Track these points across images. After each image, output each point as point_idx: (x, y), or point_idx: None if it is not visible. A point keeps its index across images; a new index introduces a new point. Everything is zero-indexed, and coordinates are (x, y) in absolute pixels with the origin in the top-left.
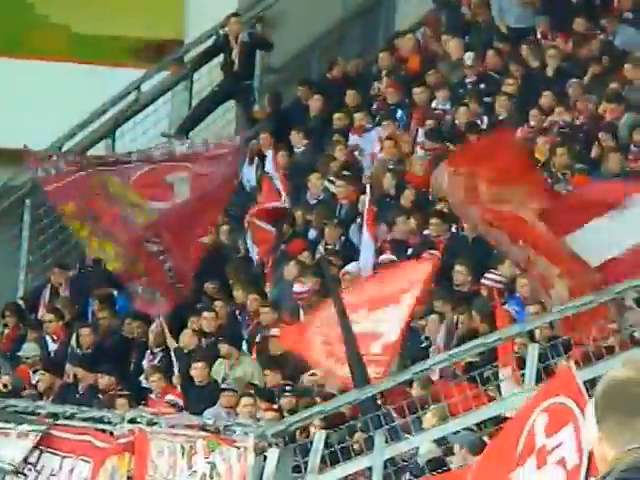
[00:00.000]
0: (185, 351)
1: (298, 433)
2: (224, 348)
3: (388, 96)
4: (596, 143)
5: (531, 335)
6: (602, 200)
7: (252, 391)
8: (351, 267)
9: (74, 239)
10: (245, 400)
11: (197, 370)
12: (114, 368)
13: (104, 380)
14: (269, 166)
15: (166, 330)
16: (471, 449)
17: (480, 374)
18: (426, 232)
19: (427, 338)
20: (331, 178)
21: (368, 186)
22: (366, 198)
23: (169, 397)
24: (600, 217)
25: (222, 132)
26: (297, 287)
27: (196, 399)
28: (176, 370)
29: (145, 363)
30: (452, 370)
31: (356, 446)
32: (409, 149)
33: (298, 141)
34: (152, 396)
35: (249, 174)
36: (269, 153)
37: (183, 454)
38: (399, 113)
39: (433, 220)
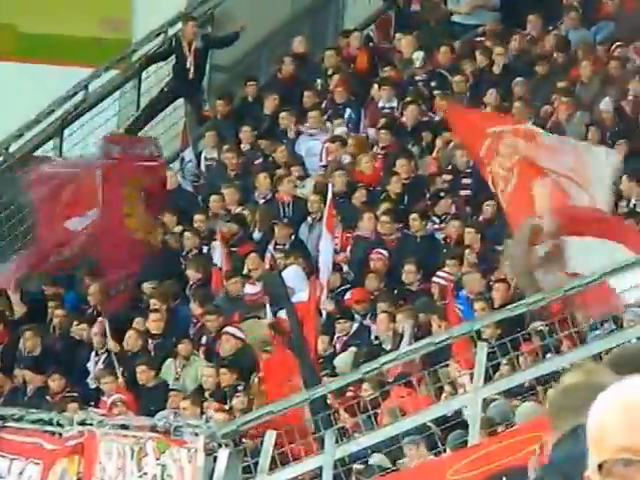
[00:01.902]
0: (129, 353)
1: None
2: (183, 347)
3: (336, 95)
4: None
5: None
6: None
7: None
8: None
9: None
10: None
11: (140, 373)
12: (62, 370)
13: (54, 383)
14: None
15: (108, 333)
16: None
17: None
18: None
19: (377, 337)
20: (298, 183)
21: (330, 186)
22: (328, 197)
23: (116, 396)
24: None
25: (171, 131)
26: (249, 288)
27: (146, 401)
28: (119, 373)
29: (90, 365)
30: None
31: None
32: (359, 148)
33: (247, 139)
34: (104, 398)
35: (189, 156)
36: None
37: (132, 456)
38: (348, 112)
39: (383, 218)
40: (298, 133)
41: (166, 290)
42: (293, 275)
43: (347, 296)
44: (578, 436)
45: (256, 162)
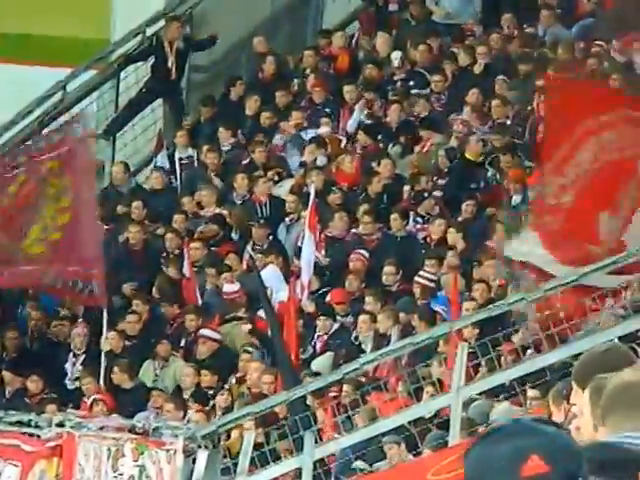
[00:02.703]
0: (111, 354)
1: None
2: (162, 348)
3: (315, 95)
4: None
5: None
6: None
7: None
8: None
9: None
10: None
11: (114, 376)
12: (41, 371)
13: (33, 384)
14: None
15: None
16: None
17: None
18: (355, 231)
19: (357, 338)
20: (276, 179)
21: (313, 186)
22: (310, 197)
23: (95, 396)
24: None
25: (149, 131)
26: (227, 287)
27: (124, 403)
28: (101, 374)
29: (68, 366)
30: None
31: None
32: (337, 148)
33: (225, 139)
34: (85, 399)
35: (163, 161)
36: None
37: (109, 457)
38: (327, 112)
39: (364, 219)
40: (280, 132)
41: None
42: (271, 275)
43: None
44: None
45: (238, 162)
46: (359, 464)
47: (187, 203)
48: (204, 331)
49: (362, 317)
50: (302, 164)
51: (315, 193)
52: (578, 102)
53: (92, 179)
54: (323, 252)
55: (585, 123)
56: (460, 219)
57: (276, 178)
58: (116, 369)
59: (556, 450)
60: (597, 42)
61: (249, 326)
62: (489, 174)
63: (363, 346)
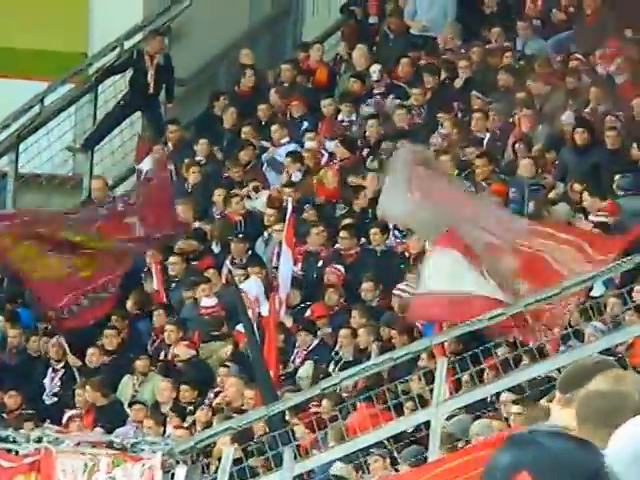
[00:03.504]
0: (91, 369)
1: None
2: (141, 364)
3: (293, 109)
4: (510, 151)
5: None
6: None
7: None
8: (245, 286)
9: None
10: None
11: (88, 393)
12: (19, 387)
13: (10, 400)
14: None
15: (67, 349)
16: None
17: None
18: (336, 246)
19: (337, 353)
20: (251, 195)
21: (290, 199)
22: (288, 212)
23: (73, 412)
24: None
25: (128, 145)
26: (205, 302)
27: (100, 419)
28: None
29: (47, 381)
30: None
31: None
32: (315, 162)
33: (203, 153)
34: (74, 410)
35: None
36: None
37: (84, 471)
38: (305, 125)
39: (342, 234)
40: (260, 147)
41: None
42: (255, 286)
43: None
44: None
45: (217, 176)
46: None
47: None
48: (179, 349)
49: (343, 332)
50: (279, 178)
51: (292, 208)
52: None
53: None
54: (299, 266)
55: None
56: None
57: (253, 194)
58: (88, 387)
59: (546, 468)
60: (576, 55)
61: (230, 347)
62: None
63: (344, 360)
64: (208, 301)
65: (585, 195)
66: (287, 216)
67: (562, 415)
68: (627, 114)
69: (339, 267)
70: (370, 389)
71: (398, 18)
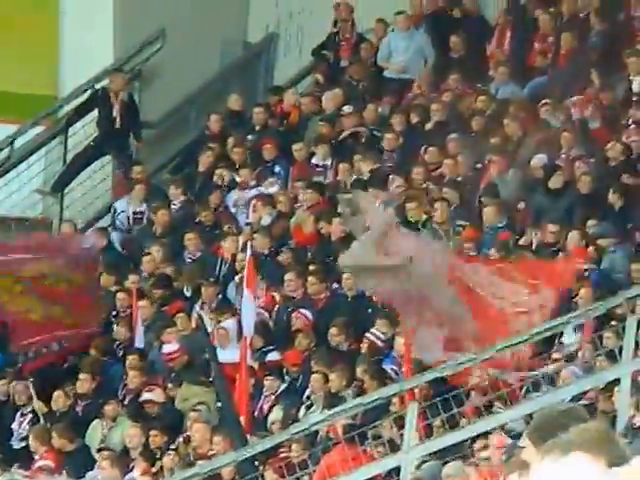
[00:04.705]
0: (57, 414)
1: None
2: (110, 408)
3: (265, 152)
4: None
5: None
6: None
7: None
8: (227, 324)
9: None
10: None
11: (54, 439)
12: None
13: None
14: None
15: (33, 394)
16: None
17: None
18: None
19: (308, 397)
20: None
21: (249, 244)
22: (246, 256)
23: (43, 463)
24: None
25: (98, 188)
26: (166, 348)
27: (69, 464)
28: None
29: (15, 425)
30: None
31: None
32: (287, 207)
33: (176, 196)
34: (36, 457)
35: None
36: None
37: None
38: (277, 169)
39: (310, 279)
40: (230, 188)
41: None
42: (232, 327)
43: (271, 356)
44: None
45: (189, 219)
46: None
47: (145, 262)
48: (147, 395)
49: (315, 376)
50: (248, 223)
51: (252, 251)
52: None
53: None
54: (274, 314)
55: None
56: None
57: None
58: (54, 434)
59: None
60: (547, 101)
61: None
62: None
63: (315, 405)
64: (170, 347)
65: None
66: (246, 260)
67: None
68: (600, 159)
69: (305, 312)
70: (345, 433)
71: (370, 62)
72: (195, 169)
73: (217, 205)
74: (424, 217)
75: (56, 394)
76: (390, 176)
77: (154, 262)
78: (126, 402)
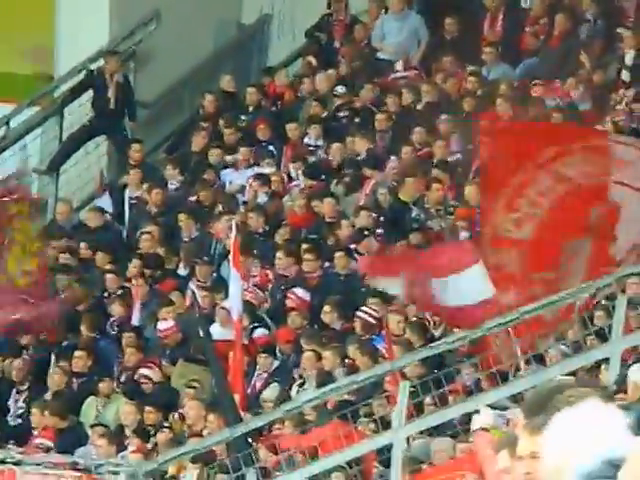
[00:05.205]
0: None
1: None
2: (105, 386)
3: (259, 132)
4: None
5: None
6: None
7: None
8: (227, 304)
9: None
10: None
11: (46, 418)
12: None
13: None
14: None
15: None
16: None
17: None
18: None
19: (301, 376)
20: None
21: (234, 222)
22: (232, 234)
23: (39, 440)
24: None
25: (93, 167)
26: (161, 325)
27: (64, 441)
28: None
29: (11, 402)
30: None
31: None
32: (281, 186)
33: (173, 177)
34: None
35: (106, 203)
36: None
37: None
38: (270, 149)
39: (307, 256)
40: (225, 167)
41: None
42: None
43: (256, 334)
44: None
45: (184, 200)
46: None
47: (142, 241)
48: (143, 371)
49: (306, 354)
50: (244, 202)
51: (237, 230)
52: (522, 140)
53: None
54: (267, 292)
55: (534, 158)
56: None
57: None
58: (46, 413)
59: None
60: (539, 82)
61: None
62: (413, 214)
63: (307, 383)
64: (164, 324)
65: None
66: (232, 239)
67: (529, 442)
68: None
69: (297, 291)
70: (337, 410)
71: (364, 42)
72: (189, 149)
73: (212, 184)
74: (417, 196)
75: (53, 371)
76: (391, 157)
77: (151, 241)
78: (122, 379)
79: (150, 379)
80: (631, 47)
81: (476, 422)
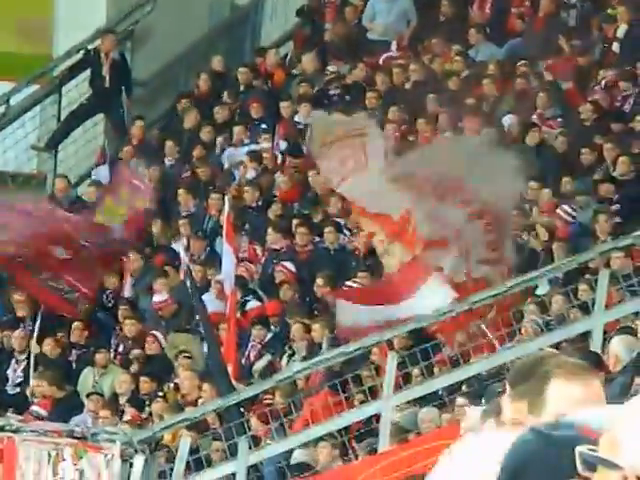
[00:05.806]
0: (49, 360)
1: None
2: (101, 357)
3: (252, 110)
4: None
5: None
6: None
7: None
8: (221, 277)
9: None
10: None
11: (42, 388)
12: None
13: None
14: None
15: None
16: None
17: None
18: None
19: (290, 347)
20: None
21: (227, 198)
22: (224, 210)
23: (34, 408)
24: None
25: (90, 145)
26: (156, 297)
27: (60, 410)
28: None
29: (10, 372)
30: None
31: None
32: (272, 163)
33: (171, 153)
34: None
35: (103, 173)
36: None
37: (49, 461)
38: (262, 127)
39: (300, 229)
40: (222, 148)
41: None
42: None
43: (249, 306)
44: None
45: (179, 176)
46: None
47: None
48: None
49: (295, 326)
50: (238, 178)
51: (230, 205)
52: None
53: None
54: (259, 266)
55: None
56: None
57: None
58: (44, 383)
59: None
60: (524, 62)
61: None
62: None
63: (297, 354)
64: (159, 296)
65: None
66: (225, 214)
67: (511, 409)
68: (573, 120)
69: (287, 264)
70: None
71: (354, 22)
72: (181, 126)
73: (204, 161)
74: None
75: (46, 341)
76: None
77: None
78: (120, 350)
79: (151, 351)
80: (624, 21)
81: (466, 421)
